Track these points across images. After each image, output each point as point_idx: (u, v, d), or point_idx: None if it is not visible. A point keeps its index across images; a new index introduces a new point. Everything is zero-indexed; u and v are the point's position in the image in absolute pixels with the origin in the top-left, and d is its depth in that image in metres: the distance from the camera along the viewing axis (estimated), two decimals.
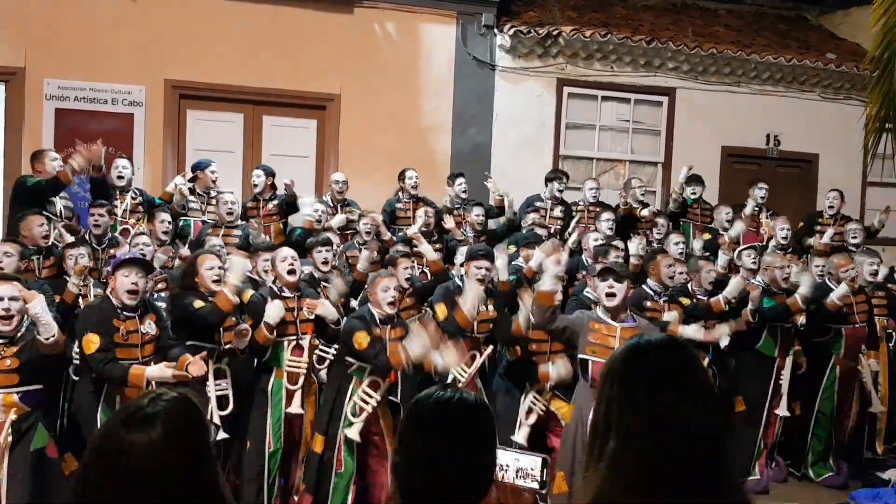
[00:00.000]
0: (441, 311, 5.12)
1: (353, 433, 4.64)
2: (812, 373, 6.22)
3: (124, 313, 4.30)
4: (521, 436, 4.87)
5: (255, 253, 5.56)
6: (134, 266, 4.34)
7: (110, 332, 4.22)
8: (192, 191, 6.89)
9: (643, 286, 5.70)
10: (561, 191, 7.66)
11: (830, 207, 7.93)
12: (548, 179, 7.73)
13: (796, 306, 5.83)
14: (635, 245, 6.30)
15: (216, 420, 4.60)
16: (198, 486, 1.43)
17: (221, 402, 4.69)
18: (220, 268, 4.77)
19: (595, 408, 1.50)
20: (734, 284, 5.77)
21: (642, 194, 7.98)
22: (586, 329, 4.46)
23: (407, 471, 1.58)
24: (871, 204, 9.86)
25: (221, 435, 4.64)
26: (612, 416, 1.42)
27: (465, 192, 7.43)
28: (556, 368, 4.85)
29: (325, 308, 4.91)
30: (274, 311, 4.73)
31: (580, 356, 4.51)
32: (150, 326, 4.39)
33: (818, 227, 7.89)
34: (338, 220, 6.82)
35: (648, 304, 5.56)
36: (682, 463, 1.35)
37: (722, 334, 5.32)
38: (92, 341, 4.18)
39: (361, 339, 4.59)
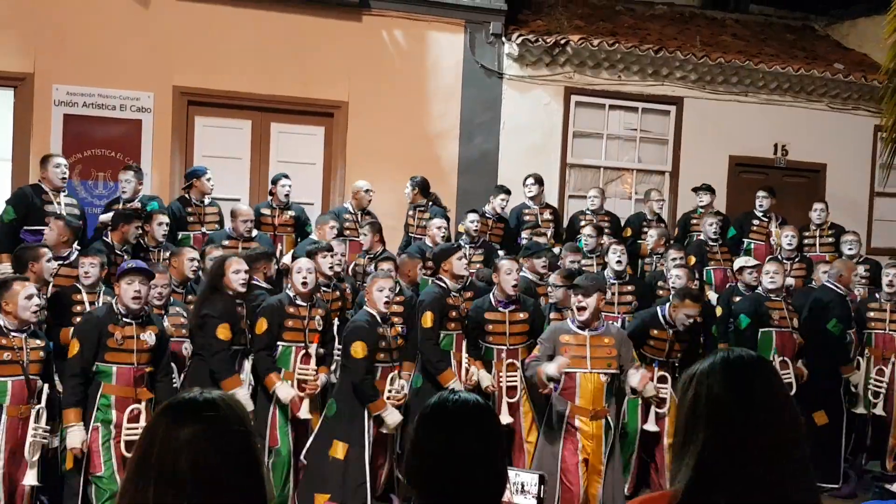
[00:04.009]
0: (428, 319, 5.34)
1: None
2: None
3: (124, 319, 4.44)
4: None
5: (255, 261, 5.56)
6: (137, 275, 4.47)
7: (103, 339, 4.37)
8: (187, 200, 6.76)
9: (658, 308, 5.60)
10: (532, 193, 7.69)
11: (817, 218, 7.92)
12: (522, 184, 7.75)
13: None
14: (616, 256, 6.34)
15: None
16: (240, 485, 1.41)
17: None
18: (245, 272, 4.99)
19: (678, 410, 1.60)
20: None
21: (660, 208, 8.03)
22: (557, 344, 4.70)
23: (423, 470, 1.62)
24: (878, 214, 9.86)
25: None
26: (698, 419, 1.52)
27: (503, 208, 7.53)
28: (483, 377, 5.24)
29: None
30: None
31: None
32: (149, 337, 4.51)
33: (805, 241, 7.87)
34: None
35: (655, 332, 5.45)
36: (762, 479, 1.44)
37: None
38: (73, 348, 4.42)
39: (358, 349, 4.83)
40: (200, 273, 5.69)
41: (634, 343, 5.35)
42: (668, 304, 5.53)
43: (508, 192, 7.58)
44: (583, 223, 7.56)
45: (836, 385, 6.21)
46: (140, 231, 5.88)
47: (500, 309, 5.38)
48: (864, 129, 9.64)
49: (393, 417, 4.85)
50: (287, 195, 6.93)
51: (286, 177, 7.01)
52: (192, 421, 1.39)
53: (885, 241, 9.76)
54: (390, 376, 4.96)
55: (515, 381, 5.28)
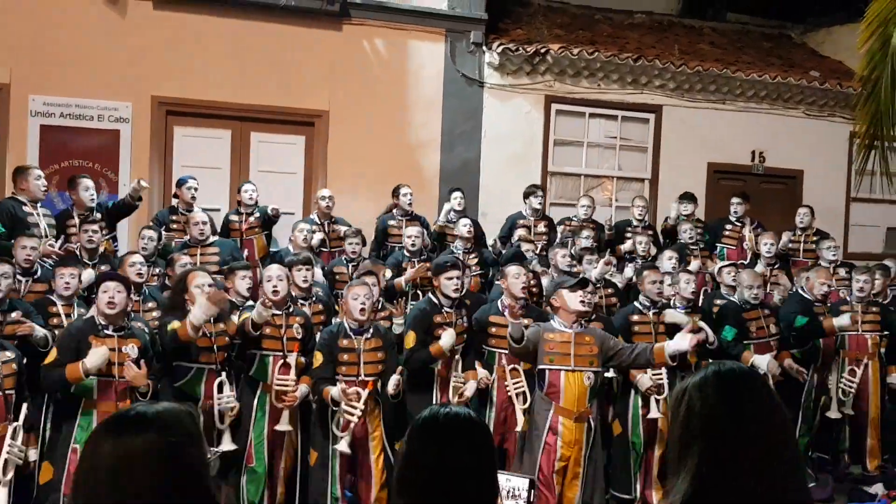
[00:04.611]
0: (410, 339, 5.18)
1: (342, 447, 4.60)
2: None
3: (104, 331, 4.35)
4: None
5: (232, 272, 5.49)
6: (110, 280, 4.43)
7: (81, 349, 4.24)
8: (174, 209, 6.84)
9: (635, 302, 5.79)
10: (541, 204, 7.68)
11: (801, 223, 8.01)
12: (526, 195, 7.71)
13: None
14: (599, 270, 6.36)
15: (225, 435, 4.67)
16: (185, 495, 1.39)
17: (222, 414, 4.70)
18: (210, 284, 4.75)
19: (671, 423, 1.62)
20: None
21: (640, 215, 8.06)
22: (542, 341, 4.71)
23: (416, 483, 1.63)
24: (854, 220, 10.00)
25: (228, 446, 4.65)
26: (692, 433, 1.54)
27: (460, 205, 7.47)
28: (445, 337, 5.04)
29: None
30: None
31: (539, 367, 4.74)
32: (132, 350, 4.41)
33: (790, 245, 7.94)
34: (317, 238, 6.77)
35: (636, 317, 5.65)
36: (753, 490, 1.46)
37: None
38: (50, 355, 4.30)
39: (315, 357, 4.77)
40: (167, 281, 5.63)
41: (623, 335, 5.48)
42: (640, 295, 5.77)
43: (461, 190, 7.62)
44: (570, 229, 7.62)
45: (800, 385, 6.29)
46: (93, 234, 5.73)
47: (507, 314, 5.39)
48: (839, 135, 9.78)
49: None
50: (251, 198, 6.97)
51: (250, 182, 7.16)
52: (133, 434, 1.39)
53: (861, 245, 9.91)
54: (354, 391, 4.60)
55: (522, 387, 5.16)
